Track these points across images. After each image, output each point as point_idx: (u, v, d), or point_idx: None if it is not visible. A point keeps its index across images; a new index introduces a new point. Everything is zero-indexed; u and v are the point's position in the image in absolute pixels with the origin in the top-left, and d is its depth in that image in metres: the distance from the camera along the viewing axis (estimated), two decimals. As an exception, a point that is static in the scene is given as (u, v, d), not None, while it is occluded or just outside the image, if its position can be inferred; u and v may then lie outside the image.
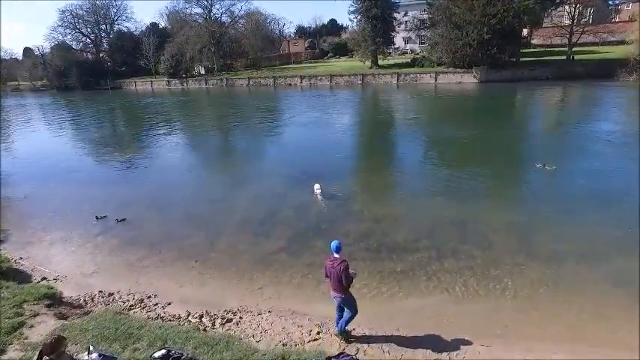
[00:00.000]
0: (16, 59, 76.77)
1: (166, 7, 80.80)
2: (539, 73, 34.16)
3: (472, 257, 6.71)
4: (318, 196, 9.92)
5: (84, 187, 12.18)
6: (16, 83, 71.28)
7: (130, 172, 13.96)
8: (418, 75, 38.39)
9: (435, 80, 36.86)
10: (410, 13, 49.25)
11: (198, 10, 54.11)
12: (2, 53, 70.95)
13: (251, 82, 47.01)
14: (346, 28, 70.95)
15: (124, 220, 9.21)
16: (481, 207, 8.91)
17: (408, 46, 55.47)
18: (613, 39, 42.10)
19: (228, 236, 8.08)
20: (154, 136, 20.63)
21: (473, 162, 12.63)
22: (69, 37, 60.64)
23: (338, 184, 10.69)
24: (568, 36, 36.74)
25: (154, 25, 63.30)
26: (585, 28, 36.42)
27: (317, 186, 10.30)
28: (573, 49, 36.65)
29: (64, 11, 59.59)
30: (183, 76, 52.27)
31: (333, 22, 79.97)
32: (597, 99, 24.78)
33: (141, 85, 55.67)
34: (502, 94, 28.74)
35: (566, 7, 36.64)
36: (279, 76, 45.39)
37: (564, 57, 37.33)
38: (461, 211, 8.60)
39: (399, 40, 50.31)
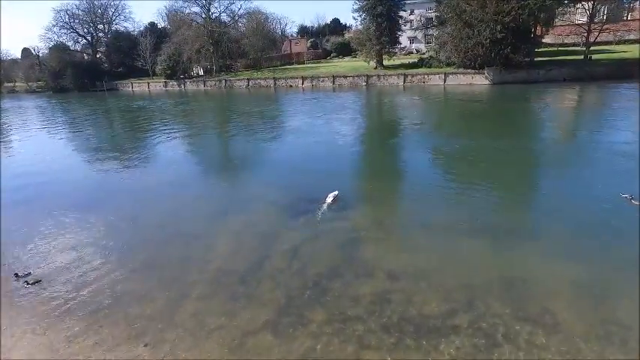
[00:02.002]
0: (13, 60, 75.76)
1: (165, 7, 79.36)
2: (555, 74, 32.23)
3: (537, 346, 4.76)
4: (324, 205, 9.23)
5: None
6: (12, 85, 70.05)
7: (82, 193, 11.58)
8: (426, 76, 36.47)
9: (444, 82, 34.95)
10: (416, 11, 47.38)
11: (197, 9, 52.53)
12: (2, 54, 69.98)
13: (251, 84, 45.21)
14: (349, 27, 69.28)
15: (37, 282, 6.75)
16: (529, 253, 6.82)
17: (414, 46, 53.61)
18: (630, 37, 40.22)
19: (195, 302, 6.06)
20: (127, 146, 18.65)
21: (510, 183, 10.63)
22: (64, 37, 59.24)
23: (341, 217, 8.71)
24: (585, 34, 34.83)
25: (152, 25, 61.76)
26: (604, 26, 34.46)
27: (332, 195, 9.50)
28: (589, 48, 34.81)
29: (59, 11, 58.23)
30: (181, 77, 50.68)
31: (335, 21, 78.33)
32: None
33: (138, 87, 53.75)
34: (521, 96, 26.73)
35: (585, 4, 34.71)
36: (280, 77, 43.58)
37: (581, 57, 35.43)
38: (504, 262, 6.64)
39: (404, 40, 48.37)
